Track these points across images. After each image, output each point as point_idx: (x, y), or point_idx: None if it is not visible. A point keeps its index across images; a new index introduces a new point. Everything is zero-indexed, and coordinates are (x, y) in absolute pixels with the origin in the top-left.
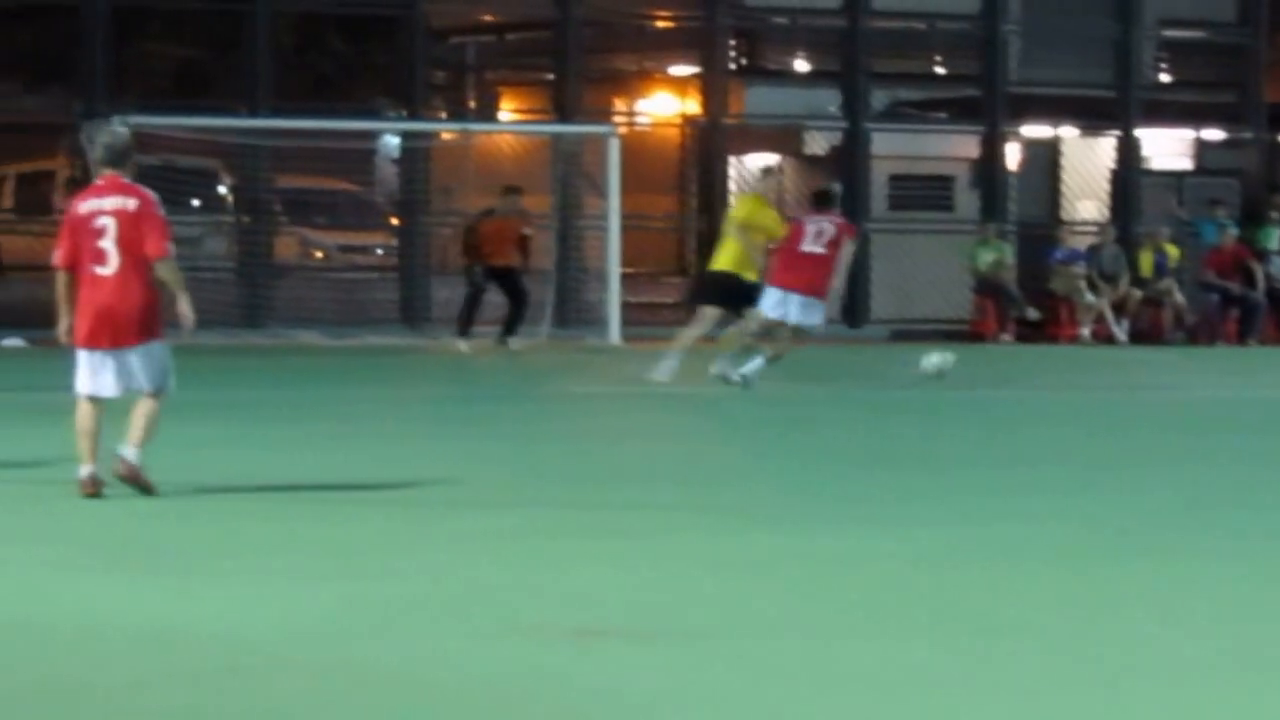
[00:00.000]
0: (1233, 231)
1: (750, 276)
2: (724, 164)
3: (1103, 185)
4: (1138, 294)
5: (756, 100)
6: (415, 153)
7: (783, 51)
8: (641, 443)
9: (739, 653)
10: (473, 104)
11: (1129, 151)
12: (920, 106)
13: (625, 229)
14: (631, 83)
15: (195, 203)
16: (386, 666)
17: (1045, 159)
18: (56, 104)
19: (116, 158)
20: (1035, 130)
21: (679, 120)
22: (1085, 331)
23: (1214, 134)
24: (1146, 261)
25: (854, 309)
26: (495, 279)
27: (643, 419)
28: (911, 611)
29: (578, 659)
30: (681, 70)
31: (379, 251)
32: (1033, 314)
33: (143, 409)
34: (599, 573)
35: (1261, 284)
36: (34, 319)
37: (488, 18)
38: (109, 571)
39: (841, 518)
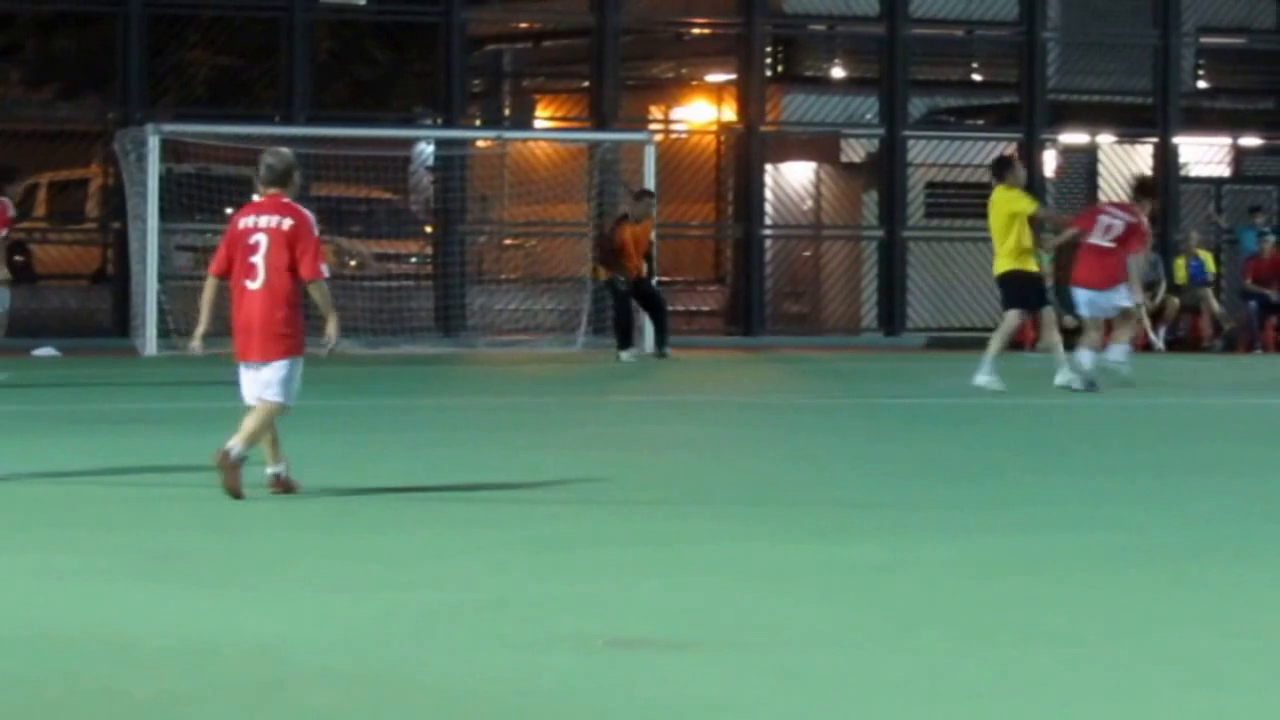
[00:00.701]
0: (1272, 239)
1: (1029, 268)
2: (761, 171)
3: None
4: (1175, 301)
5: (794, 107)
6: (451, 161)
7: (820, 59)
8: (682, 451)
9: (778, 663)
10: (509, 112)
11: (1167, 159)
12: (958, 114)
13: (662, 237)
14: (669, 90)
15: (230, 211)
16: (425, 677)
17: (1083, 166)
18: (91, 112)
19: (278, 178)
20: (1073, 137)
21: (716, 127)
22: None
23: (1253, 141)
24: (1182, 269)
25: (890, 317)
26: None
27: (681, 428)
28: (953, 621)
29: (615, 669)
30: (719, 77)
31: (415, 260)
32: (1071, 322)
33: (258, 410)
34: (638, 582)
35: None
36: (67, 328)
37: (525, 25)
38: (144, 582)
39: (885, 526)
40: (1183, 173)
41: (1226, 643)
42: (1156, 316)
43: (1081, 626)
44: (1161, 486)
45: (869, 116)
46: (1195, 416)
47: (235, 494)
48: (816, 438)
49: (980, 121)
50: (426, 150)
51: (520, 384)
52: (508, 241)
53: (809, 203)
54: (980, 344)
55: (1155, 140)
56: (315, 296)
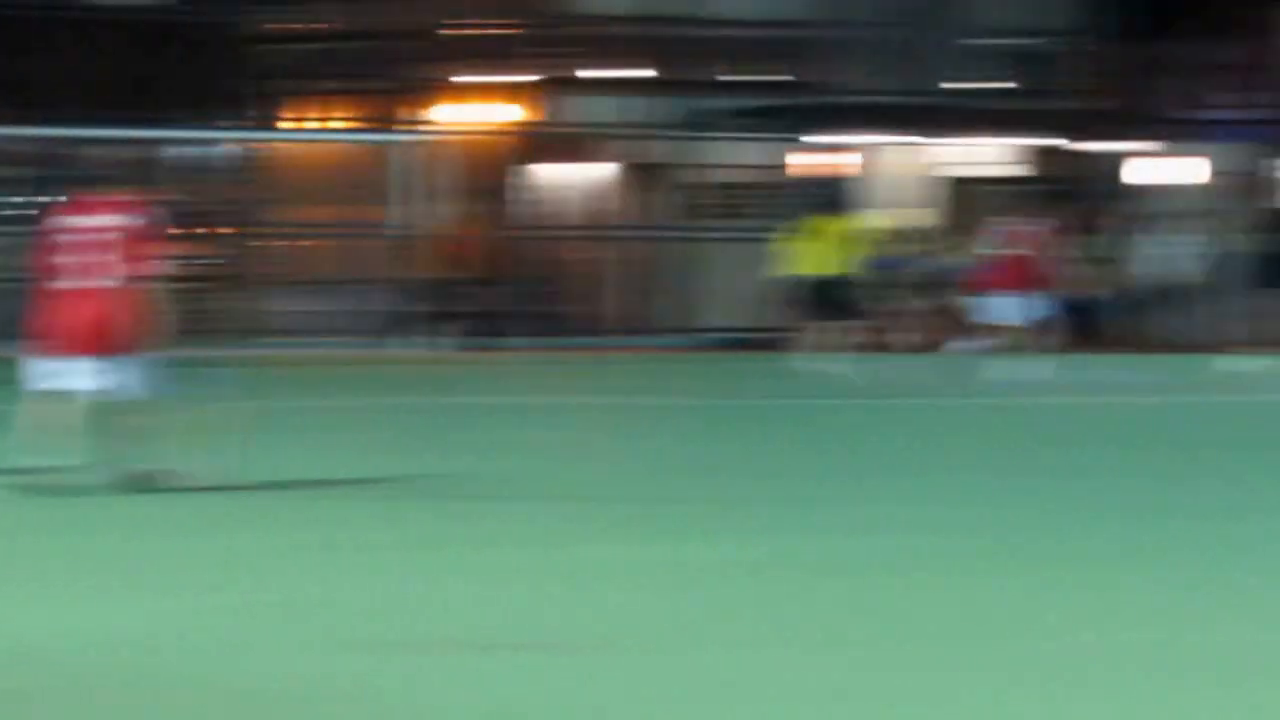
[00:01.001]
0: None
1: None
2: (530, 172)
3: (917, 193)
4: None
5: (585, 108)
6: (243, 162)
7: (605, 59)
8: (505, 456)
9: (584, 664)
10: (299, 114)
11: (955, 159)
12: (733, 114)
13: (439, 237)
14: (460, 91)
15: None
16: (237, 679)
17: (873, 167)
18: None
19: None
20: (864, 138)
21: (497, 128)
22: (910, 339)
23: (1042, 142)
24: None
25: (666, 317)
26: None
27: (479, 432)
28: (755, 620)
29: (434, 670)
30: (510, 78)
31: (209, 262)
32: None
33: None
34: (465, 584)
35: (1097, 290)
36: None
37: (317, 26)
38: None
39: (670, 528)
40: (959, 173)
41: (1033, 645)
42: (939, 316)
43: (875, 624)
44: (973, 487)
45: (643, 117)
46: (1014, 418)
47: None
48: (618, 439)
49: (756, 122)
50: (216, 152)
51: (316, 387)
52: (303, 244)
53: (584, 203)
54: (768, 345)
55: (930, 142)
56: None
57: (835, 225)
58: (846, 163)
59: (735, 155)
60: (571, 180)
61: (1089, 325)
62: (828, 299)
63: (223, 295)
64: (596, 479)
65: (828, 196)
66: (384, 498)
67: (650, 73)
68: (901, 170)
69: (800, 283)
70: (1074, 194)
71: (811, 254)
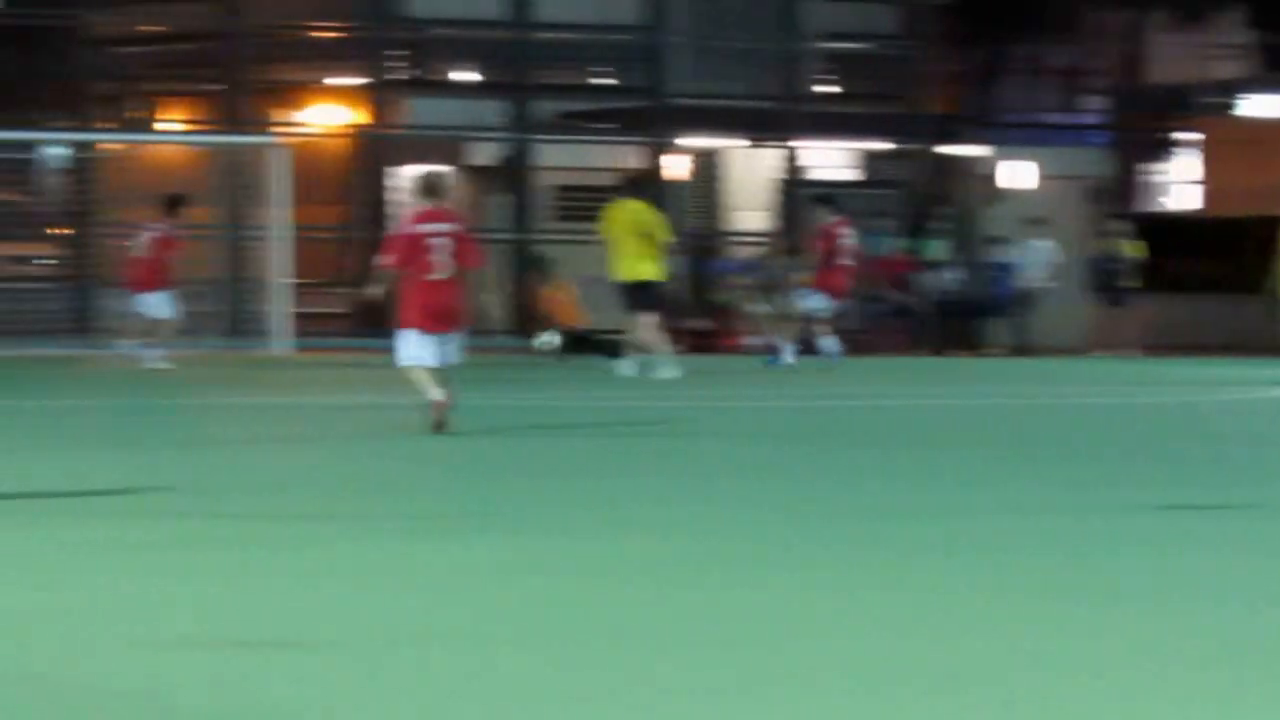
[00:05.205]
0: (897, 243)
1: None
2: (388, 174)
3: (767, 197)
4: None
5: (422, 111)
6: (82, 163)
7: (448, 62)
8: (296, 452)
9: (374, 663)
10: (139, 114)
11: (792, 163)
12: (586, 118)
13: (294, 240)
14: (298, 93)
15: None
16: (31, 676)
17: (709, 171)
18: None
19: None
20: (700, 142)
21: (345, 131)
22: (754, 341)
23: (878, 146)
24: None
25: (522, 320)
26: None
27: (301, 429)
28: (548, 622)
29: (201, 670)
30: (348, 81)
31: (45, 262)
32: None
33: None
34: (234, 582)
35: (928, 295)
36: None
37: (153, 28)
38: None
39: (469, 527)
40: (808, 177)
41: (805, 639)
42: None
43: (656, 624)
44: (718, 488)
45: (496, 120)
46: (792, 419)
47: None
48: (438, 440)
49: (609, 126)
50: (55, 153)
51: (148, 386)
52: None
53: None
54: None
55: (782, 145)
56: None
57: (641, 223)
58: (678, 165)
59: (571, 158)
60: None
61: (921, 328)
62: (645, 298)
63: (60, 294)
64: (425, 478)
65: (651, 197)
66: (236, 494)
67: (504, 76)
68: (741, 174)
69: (624, 283)
70: (908, 197)
71: (628, 254)
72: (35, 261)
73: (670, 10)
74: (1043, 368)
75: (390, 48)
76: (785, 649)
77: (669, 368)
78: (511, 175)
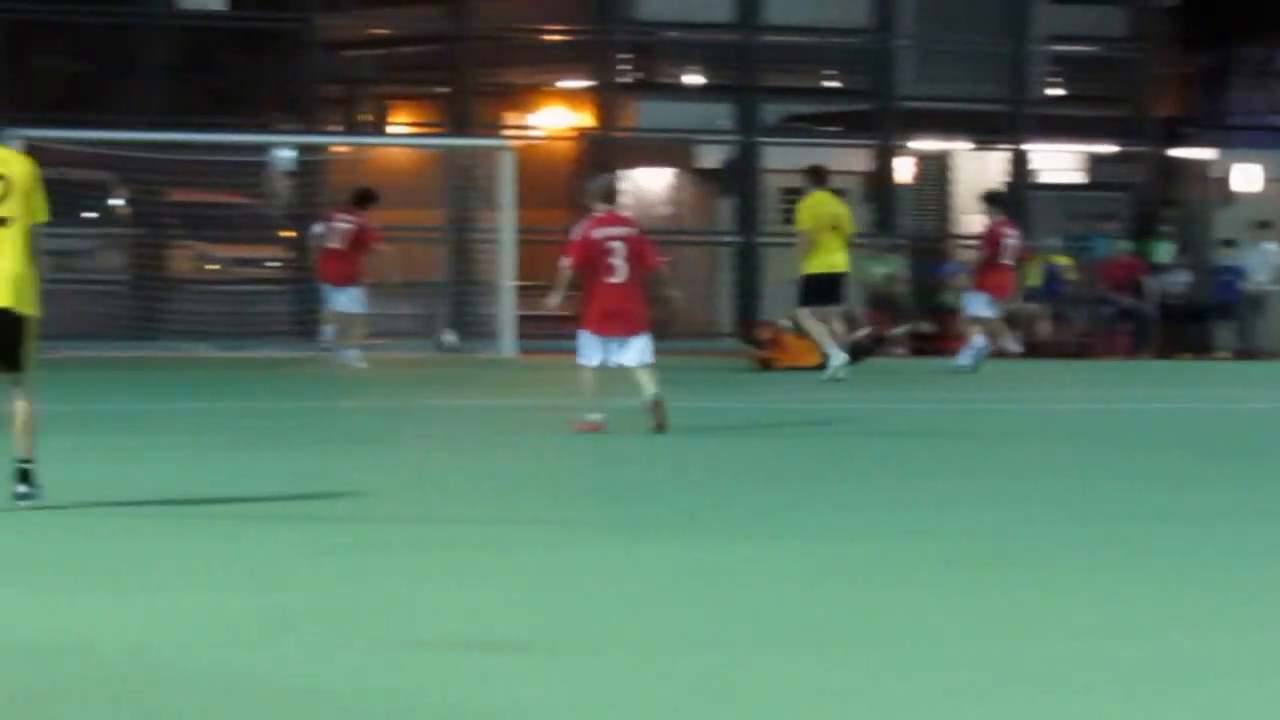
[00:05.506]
0: (1124, 246)
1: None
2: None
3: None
4: (1030, 307)
5: (649, 114)
6: (309, 166)
7: (675, 65)
8: (536, 458)
9: (631, 666)
10: (367, 117)
11: (1019, 166)
12: (813, 120)
13: (519, 242)
14: (525, 96)
15: (88, 216)
16: (276, 680)
17: (936, 173)
18: None
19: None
20: (927, 144)
21: (572, 133)
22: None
23: (1105, 148)
24: (1034, 275)
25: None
26: None
27: (538, 435)
28: (798, 624)
29: (463, 672)
30: (574, 84)
31: (272, 264)
32: (924, 326)
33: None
34: (490, 586)
35: (1154, 298)
36: None
37: (382, 31)
38: (3, 586)
39: (731, 531)
40: (1034, 179)
41: (1055, 644)
42: (1011, 322)
43: (917, 629)
44: (997, 491)
45: (723, 122)
46: (1041, 422)
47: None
48: (672, 444)
49: (835, 128)
50: (284, 155)
51: (371, 388)
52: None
53: (664, 208)
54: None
55: (1008, 147)
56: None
57: (832, 215)
58: (904, 168)
59: (798, 161)
60: (650, 185)
61: (1147, 331)
62: (829, 292)
63: (284, 297)
64: (666, 484)
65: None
66: (478, 498)
67: (730, 79)
68: (981, 176)
69: (813, 275)
70: (1134, 199)
71: (821, 248)
72: (264, 264)
73: (897, 13)
74: (1271, 371)
75: (617, 50)
76: (1037, 651)
77: (839, 363)
78: (738, 178)
